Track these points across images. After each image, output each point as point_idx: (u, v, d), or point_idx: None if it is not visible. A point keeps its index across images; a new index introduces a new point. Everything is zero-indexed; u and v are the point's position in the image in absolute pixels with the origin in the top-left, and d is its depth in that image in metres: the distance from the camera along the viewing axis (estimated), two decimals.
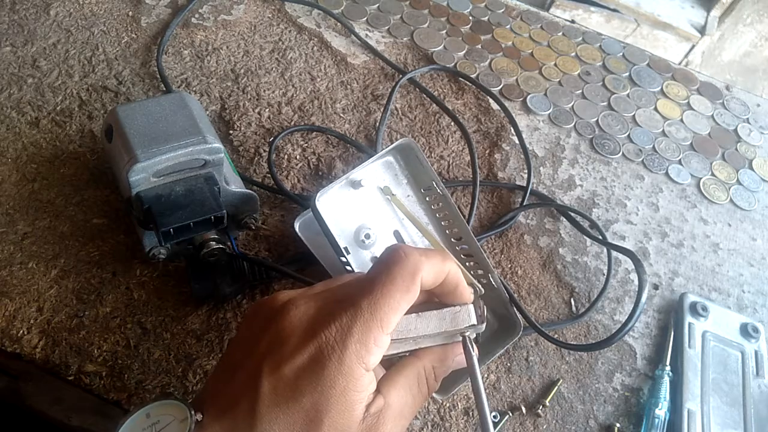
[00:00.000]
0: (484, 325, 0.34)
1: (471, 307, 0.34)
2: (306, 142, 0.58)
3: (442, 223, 0.47)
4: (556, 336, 0.47)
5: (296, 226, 0.47)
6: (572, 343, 0.49)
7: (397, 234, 0.45)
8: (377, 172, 0.45)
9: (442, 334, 0.34)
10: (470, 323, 0.33)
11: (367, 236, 0.44)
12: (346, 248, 0.41)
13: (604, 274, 0.53)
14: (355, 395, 0.30)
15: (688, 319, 0.49)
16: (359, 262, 0.44)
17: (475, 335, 0.34)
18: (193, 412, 0.30)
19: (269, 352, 0.31)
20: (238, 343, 0.34)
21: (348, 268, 0.41)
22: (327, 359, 0.29)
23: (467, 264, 0.46)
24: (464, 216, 0.53)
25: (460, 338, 0.34)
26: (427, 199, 0.47)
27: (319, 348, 0.30)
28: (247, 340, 0.33)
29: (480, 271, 0.45)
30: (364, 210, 0.44)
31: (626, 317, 0.43)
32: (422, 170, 0.45)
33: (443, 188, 0.45)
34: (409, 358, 0.35)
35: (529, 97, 0.67)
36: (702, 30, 1.61)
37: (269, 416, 0.29)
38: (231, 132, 0.57)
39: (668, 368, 0.47)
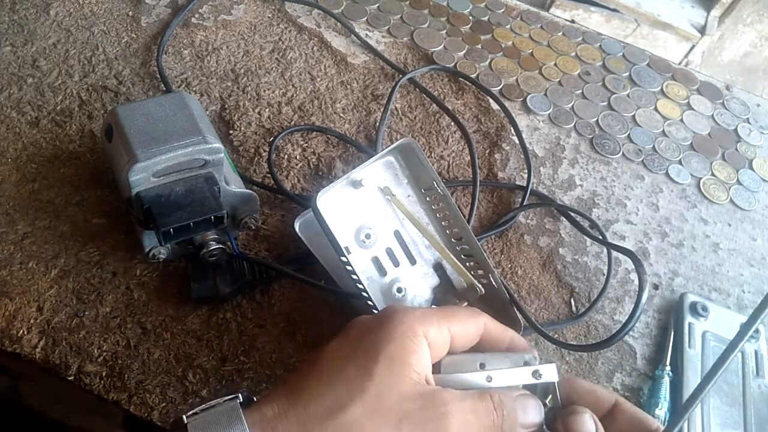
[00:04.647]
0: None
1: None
2: (306, 142, 0.58)
3: (443, 223, 0.47)
4: (556, 336, 0.47)
5: (296, 226, 0.47)
6: (572, 343, 0.49)
7: (397, 234, 0.45)
8: (378, 171, 0.45)
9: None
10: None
11: (368, 236, 0.44)
12: (346, 248, 0.41)
13: (604, 274, 0.53)
14: (412, 347, 0.31)
15: (688, 319, 0.49)
16: (359, 262, 0.44)
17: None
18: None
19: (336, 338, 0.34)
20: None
21: (348, 267, 0.41)
22: (392, 314, 0.33)
23: (467, 264, 0.46)
24: (464, 216, 0.53)
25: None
26: (428, 199, 0.46)
27: (386, 313, 0.34)
28: None
29: (480, 271, 0.45)
30: (364, 210, 0.44)
31: (626, 317, 0.43)
32: (423, 170, 0.45)
33: (444, 188, 0.45)
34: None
35: (529, 97, 0.67)
36: (702, 30, 1.61)
37: (330, 357, 0.32)
38: (231, 132, 0.57)
39: (668, 368, 0.47)
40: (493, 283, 0.45)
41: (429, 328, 0.32)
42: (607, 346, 0.45)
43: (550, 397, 0.35)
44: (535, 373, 0.34)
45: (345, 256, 0.41)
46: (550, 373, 0.34)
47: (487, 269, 0.45)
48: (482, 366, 0.34)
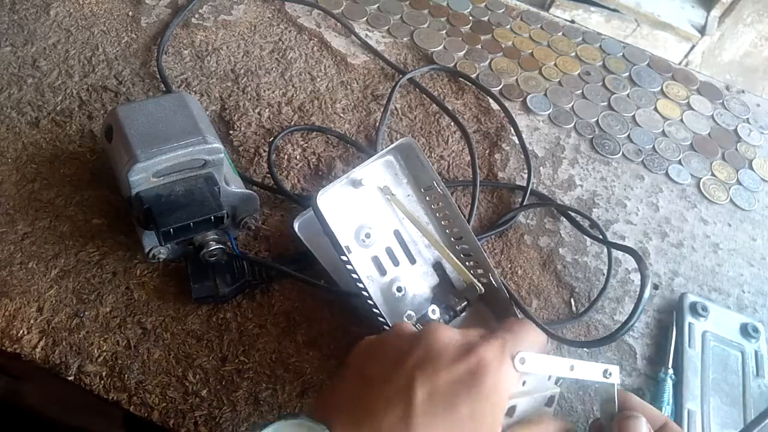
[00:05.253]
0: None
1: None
2: (306, 142, 0.58)
3: (443, 222, 0.47)
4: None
5: (296, 226, 0.47)
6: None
7: (397, 233, 0.45)
8: (378, 171, 0.45)
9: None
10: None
11: (368, 236, 0.44)
12: (347, 247, 0.41)
13: (604, 274, 0.53)
14: (501, 413, 0.31)
15: (688, 319, 0.49)
16: (359, 261, 0.44)
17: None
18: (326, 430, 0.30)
19: (420, 365, 0.32)
20: (373, 359, 0.34)
21: (348, 267, 0.41)
22: (486, 372, 0.31)
23: (467, 264, 0.46)
24: (464, 216, 0.53)
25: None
26: (428, 198, 0.46)
27: (478, 363, 0.31)
28: (384, 357, 0.34)
29: (480, 271, 0.45)
30: (364, 209, 0.44)
31: (626, 317, 0.43)
32: (423, 170, 0.45)
33: (444, 188, 0.45)
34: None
35: (529, 97, 0.67)
36: (702, 30, 1.61)
37: (425, 423, 0.29)
38: (231, 132, 0.57)
39: (671, 371, 0.46)
40: (493, 283, 0.45)
41: (514, 387, 0.32)
42: (611, 342, 0.45)
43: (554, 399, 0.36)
44: (605, 372, 0.35)
45: (345, 256, 0.41)
46: (615, 375, 0.35)
47: (486, 269, 0.45)
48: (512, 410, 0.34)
